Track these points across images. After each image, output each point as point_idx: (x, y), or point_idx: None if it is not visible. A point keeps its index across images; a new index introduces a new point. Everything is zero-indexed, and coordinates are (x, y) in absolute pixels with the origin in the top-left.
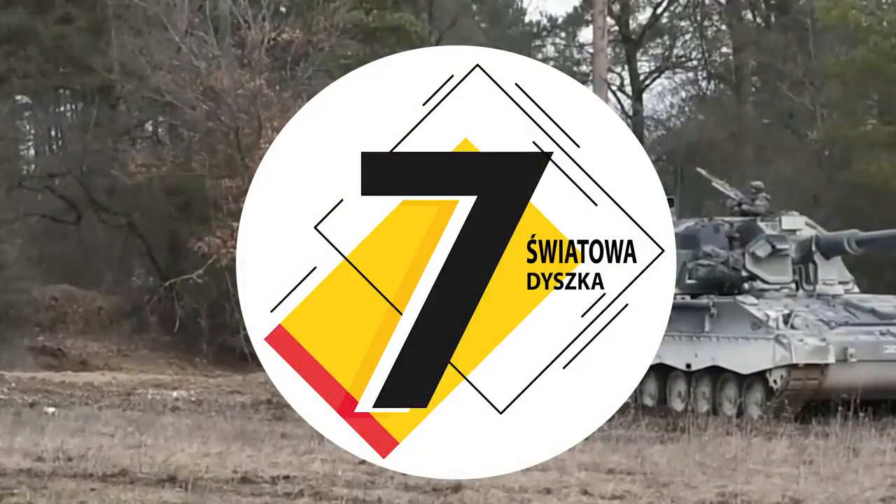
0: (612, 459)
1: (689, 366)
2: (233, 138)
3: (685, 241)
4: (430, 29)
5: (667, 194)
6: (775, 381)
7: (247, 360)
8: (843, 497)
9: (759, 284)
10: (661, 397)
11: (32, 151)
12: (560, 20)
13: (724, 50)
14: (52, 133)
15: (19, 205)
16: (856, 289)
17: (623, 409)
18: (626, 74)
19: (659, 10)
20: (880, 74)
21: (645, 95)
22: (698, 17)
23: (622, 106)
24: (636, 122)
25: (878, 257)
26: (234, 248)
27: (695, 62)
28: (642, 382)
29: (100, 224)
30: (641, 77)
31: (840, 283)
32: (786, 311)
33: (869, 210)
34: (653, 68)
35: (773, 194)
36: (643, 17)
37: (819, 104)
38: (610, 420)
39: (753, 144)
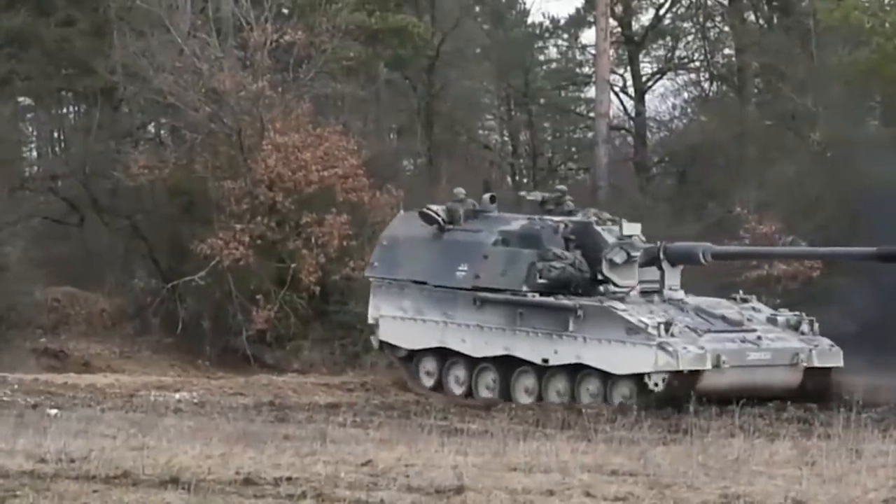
0: (615, 461)
1: (545, 360)
2: (235, 140)
3: (526, 240)
4: (432, 31)
5: (489, 191)
6: (656, 384)
7: (249, 361)
8: (846, 498)
9: (611, 287)
10: (504, 390)
11: (35, 153)
12: (562, 21)
13: (727, 51)
14: (55, 135)
15: (22, 207)
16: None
17: (626, 411)
18: (628, 76)
19: (661, 12)
20: (883, 76)
21: (647, 97)
22: (701, 19)
23: (625, 107)
24: (638, 123)
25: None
26: (237, 249)
27: (697, 63)
28: (478, 374)
29: (102, 226)
30: (644, 78)
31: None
32: (661, 319)
33: (870, 212)
34: (655, 70)
35: (775, 195)
36: (646, 18)
37: (822, 106)
38: (613, 422)
39: (756, 146)
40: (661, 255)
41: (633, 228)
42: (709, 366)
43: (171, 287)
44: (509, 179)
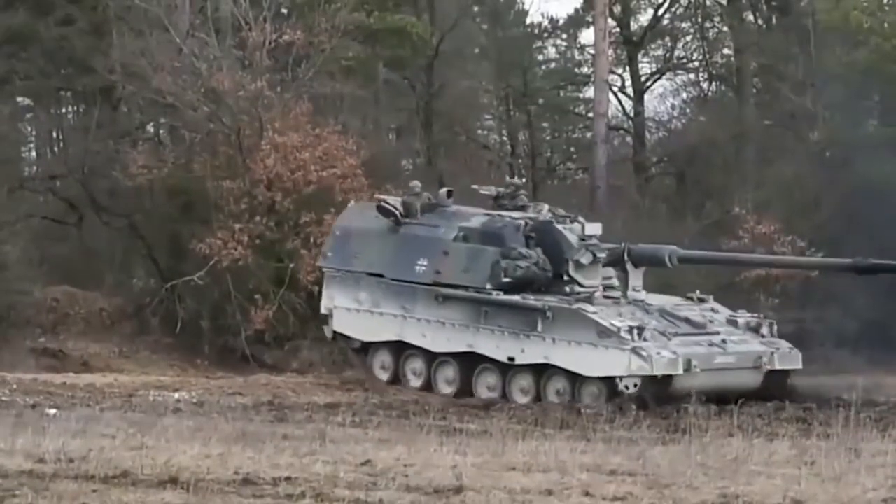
0: (614, 461)
1: (511, 359)
2: (234, 140)
3: (488, 237)
4: (431, 30)
5: (446, 186)
6: (627, 387)
7: (248, 361)
8: (845, 498)
9: (576, 287)
10: (465, 387)
11: (34, 153)
12: (561, 21)
13: (726, 51)
14: (54, 135)
15: (21, 206)
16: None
17: (625, 411)
18: (627, 76)
19: (660, 12)
20: (882, 76)
21: (646, 97)
22: (699, 19)
23: (623, 108)
24: (637, 123)
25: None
26: (235, 249)
27: (696, 64)
28: (437, 368)
29: (101, 225)
30: (643, 78)
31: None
32: (632, 322)
33: (870, 212)
34: (654, 70)
35: (774, 195)
36: (644, 18)
37: (821, 105)
38: (611, 421)
39: (755, 146)
40: (626, 257)
41: (594, 228)
42: (680, 370)
43: (170, 287)
44: (508, 179)
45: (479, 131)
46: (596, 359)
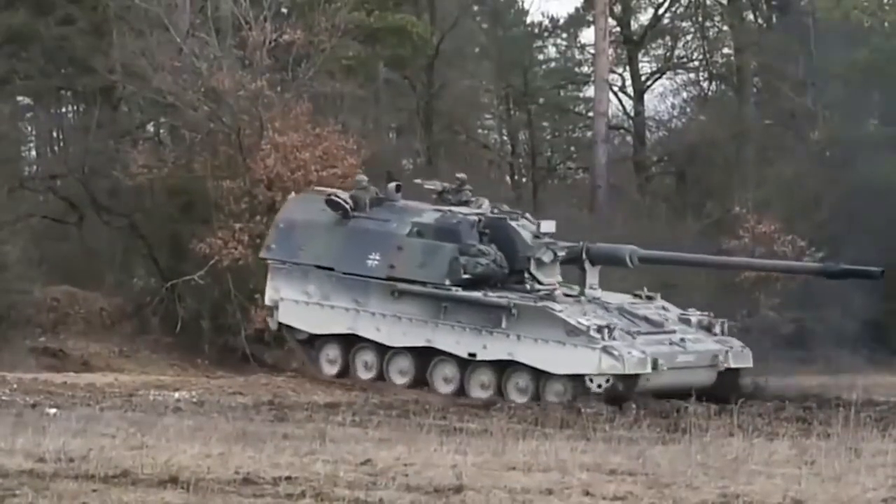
0: (614, 460)
1: (472, 355)
2: (234, 139)
3: (443, 233)
4: (431, 30)
5: (393, 180)
6: (599, 386)
7: (248, 360)
8: (846, 497)
9: (536, 285)
10: (420, 378)
11: (34, 152)
12: (561, 21)
13: (726, 51)
14: (54, 134)
15: (21, 206)
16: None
17: (625, 410)
18: (627, 75)
19: (660, 11)
20: (882, 75)
21: (646, 96)
22: (700, 18)
23: (624, 107)
24: (637, 123)
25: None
26: (235, 248)
27: (696, 63)
28: (390, 359)
29: (101, 225)
30: (643, 78)
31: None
32: (598, 321)
33: (870, 211)
34: (654, 69)
35: (774, 194)
36: (644, 17)
37: (821, 105)
38: (611, 421)
39: (755, 145)
40: (584, 255)
41: (549, 226)
42: (649, 369)
43: (171, 286)
44: (508, 179)
45: (480, 131)
46: (564, 357)
